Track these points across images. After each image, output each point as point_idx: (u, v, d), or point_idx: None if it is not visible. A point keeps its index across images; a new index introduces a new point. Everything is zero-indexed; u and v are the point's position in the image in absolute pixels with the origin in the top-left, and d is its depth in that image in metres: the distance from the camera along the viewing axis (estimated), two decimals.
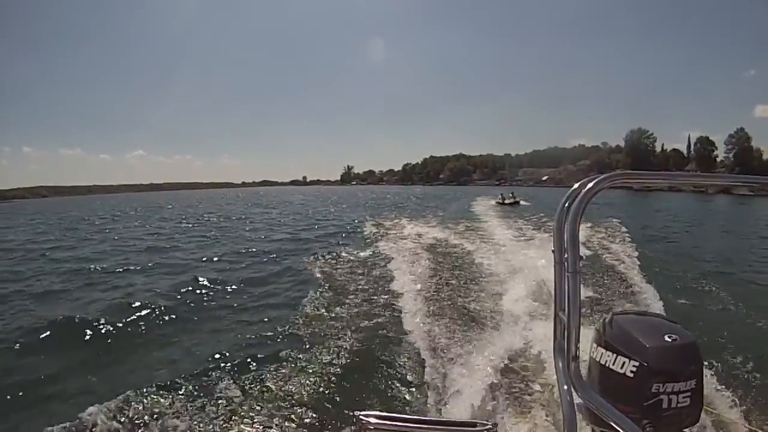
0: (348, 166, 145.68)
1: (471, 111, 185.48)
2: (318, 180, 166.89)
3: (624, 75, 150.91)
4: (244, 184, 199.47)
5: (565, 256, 0.81)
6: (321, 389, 3.84)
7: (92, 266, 9.57)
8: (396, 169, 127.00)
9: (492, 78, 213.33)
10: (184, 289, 7.32)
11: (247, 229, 17.64)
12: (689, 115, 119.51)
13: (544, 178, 79.29)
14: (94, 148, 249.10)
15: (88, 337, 5.27)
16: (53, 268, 9.90)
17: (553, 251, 0.85)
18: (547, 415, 3.19)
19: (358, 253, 9.91)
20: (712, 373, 3.60)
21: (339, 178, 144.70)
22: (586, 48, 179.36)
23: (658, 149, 73.69)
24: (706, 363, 0.87)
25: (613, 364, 0.86)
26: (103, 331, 5.41)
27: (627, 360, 0.84)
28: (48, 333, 5.32)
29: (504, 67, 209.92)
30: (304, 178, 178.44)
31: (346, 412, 3.45)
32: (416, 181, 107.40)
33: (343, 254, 9.77)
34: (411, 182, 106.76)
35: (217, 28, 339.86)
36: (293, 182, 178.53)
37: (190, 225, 19.91)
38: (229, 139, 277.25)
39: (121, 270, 9.15)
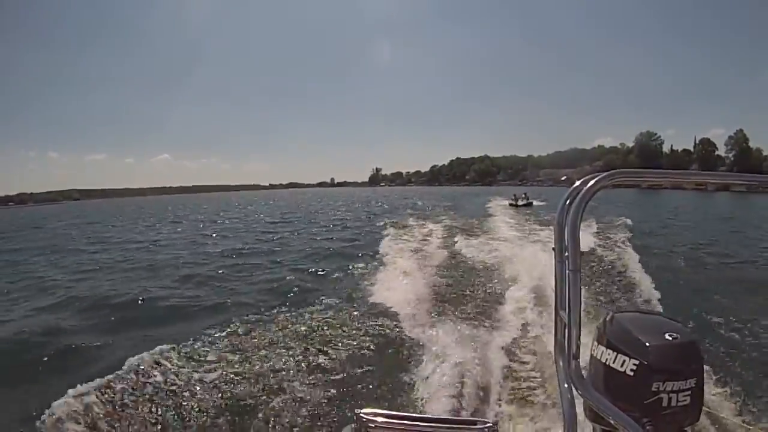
0: (376, 168, 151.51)
1: (495, 113, 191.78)
2: (345, 182, 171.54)
3: (649, 74, 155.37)
4: (271, 186, 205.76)
5: (566, 254, 0.82)
6: (322, 387, 3.90)
7: None
8: (423, 171, 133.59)
9: (516, 79, 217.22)
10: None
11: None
12: (716, 114, 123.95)
13: (563, 178, 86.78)
14: (120, 153, 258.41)
15: None
16: None
17: (553, 249, 0.85)
18: (547, 414, 3.26)
19: (362, 250, 10.48)
20: (713, 372, 3.54)
21: (367, 179, 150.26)
22: (612, 47, 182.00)
23: (667, 150, 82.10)
24: (706, 362, 0.87)
25: (614, 363, 0.87)
26: None
27: (627, 358, 0.85)
28: None
29: (528, 67, 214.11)
30: (332, 179, 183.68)
31: (347, 409, 3.52)
32: (443, 182, 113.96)
33: (349, 251, 10.45)
34: (438, 183, 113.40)
35: (239, 31, 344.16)
36: (321, 184, 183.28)
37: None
38: (253, 142, 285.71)
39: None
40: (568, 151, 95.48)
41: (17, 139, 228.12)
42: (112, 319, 6.57)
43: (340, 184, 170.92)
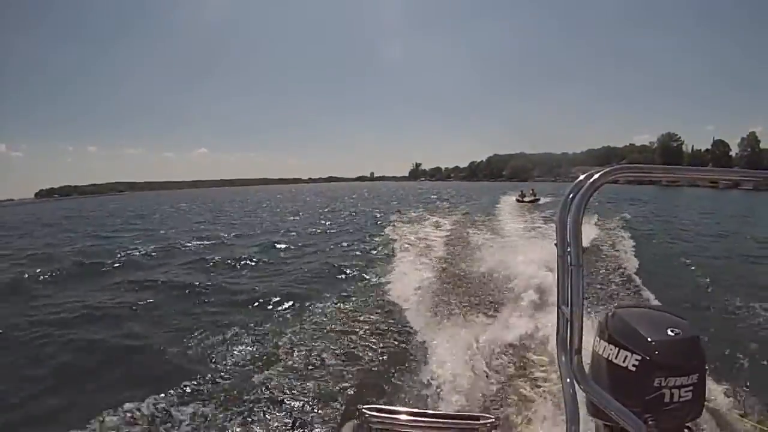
0: (416, 163, 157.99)
1: (533, 110, 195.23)
2: (384, 176, 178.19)
3: (690, 68, 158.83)
4: (311, 180, 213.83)
5: (568, 249, 0.81)
6: (324, 383, 3.94)
7: None
8: (462, 166, 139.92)
9: (555, 76, 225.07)
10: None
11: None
12: (758, 110, 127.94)
13: None
14: (158, 147, 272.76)
15: None
16: None
17: (555, 244, 0.85)
18: (549, 409, 3.30)
19: (363, 244, 10.90)
20: (715, 367, 3.58)
21: (406, 174, 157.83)
22: (652, 40, 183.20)
23: (689, 150, 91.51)
24: (708, 357, 0.89)
25: (616, 358, 0.88)
26: None
27: (629, 354, 0.86)
28: None
29: (566, 62, 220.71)
30: (372, 174, 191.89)
31: (350, 405, 3.56)
32: (481, 177, 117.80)
33: (349, 243, 10.73)
34: (476, 179, 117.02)
35: (278, 25, 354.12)
36: (360, 178, 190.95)
37: None
38: (290, 135, 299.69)
39: None
40: (600, 148, 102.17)
41: (56, 132, 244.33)
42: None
43: (379, 179, 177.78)
